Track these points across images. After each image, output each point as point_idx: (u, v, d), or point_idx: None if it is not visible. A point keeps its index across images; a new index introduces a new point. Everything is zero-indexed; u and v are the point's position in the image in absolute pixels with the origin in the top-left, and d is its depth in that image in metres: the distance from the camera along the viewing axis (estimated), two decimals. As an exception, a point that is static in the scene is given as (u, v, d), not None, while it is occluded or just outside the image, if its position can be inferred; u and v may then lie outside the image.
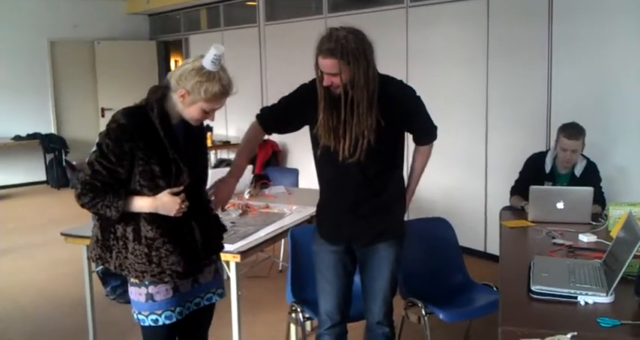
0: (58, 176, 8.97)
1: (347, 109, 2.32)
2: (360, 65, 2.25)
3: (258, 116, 2.59)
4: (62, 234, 3.43)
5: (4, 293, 4.65)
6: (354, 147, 2.35)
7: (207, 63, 2.10)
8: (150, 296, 2.24)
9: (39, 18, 8.96)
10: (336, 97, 2.33)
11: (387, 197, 2.52)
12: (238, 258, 2.96)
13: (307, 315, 3.01)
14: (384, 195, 2.51)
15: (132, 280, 2.26)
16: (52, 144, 8.96)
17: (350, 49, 2.22)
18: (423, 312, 2.97)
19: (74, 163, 8.98)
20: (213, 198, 2.41)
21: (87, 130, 9.23)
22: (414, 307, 3.06)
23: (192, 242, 2.26)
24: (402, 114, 2.44)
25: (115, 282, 4.32)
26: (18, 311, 4.28)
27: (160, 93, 2.17)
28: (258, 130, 2.59)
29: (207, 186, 2.41)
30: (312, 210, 2.64)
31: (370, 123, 2.32)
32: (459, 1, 5.19)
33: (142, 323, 2.28)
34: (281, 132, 2.63)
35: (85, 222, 4.00)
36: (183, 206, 2.15)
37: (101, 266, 3.83)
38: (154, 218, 2.17)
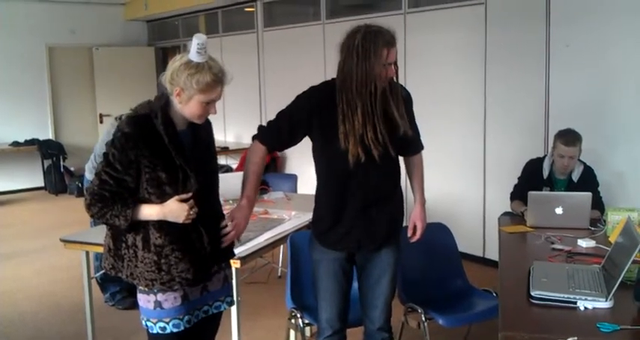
0: (56, 182, 8.95)
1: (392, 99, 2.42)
2: None
3: (259, 137, 2.49)
4: (61, 240, 3.43)
5: (3, 298, 4.64)
6: (388, 135, 2.38)
7: (193, 55, 2.09)
8: (158, 304, 2.22)
9: (37, 24, 8.97)
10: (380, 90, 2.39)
11: (393, 202, 2.53)
12: (238, 264, 2.96)
13: (307, 321, 3.00)
14: (391, 200, 2.52)
15: (140, 287, 2.24)
16: (50, 150, 8.94)
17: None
18: (423, 318, 2.97)
19: (72, 169, 8.99)
20: (228, 229, 2.32)
21: (85, 136, 9.18)
22: (414, 312, 3.06)
23: (202, 248, 2.24)
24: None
25: (113, 288, 4.33)
26: (17, 316, 4.27)
27: (164, 100, 2.17)
28: (263, 152, 2.48)
29: (224, 222, 2.34)
30: (311, 215, 2.63)
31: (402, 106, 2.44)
32: (456, 7, 5.22)
33: (149, 331, 2.26)
34: (286, 148, 2.56)
35: (83, 227, 4.01)
36: (192, 212, 2.14)
37: (101, 272, 3.84)
38: (162, 225, 2.16)
